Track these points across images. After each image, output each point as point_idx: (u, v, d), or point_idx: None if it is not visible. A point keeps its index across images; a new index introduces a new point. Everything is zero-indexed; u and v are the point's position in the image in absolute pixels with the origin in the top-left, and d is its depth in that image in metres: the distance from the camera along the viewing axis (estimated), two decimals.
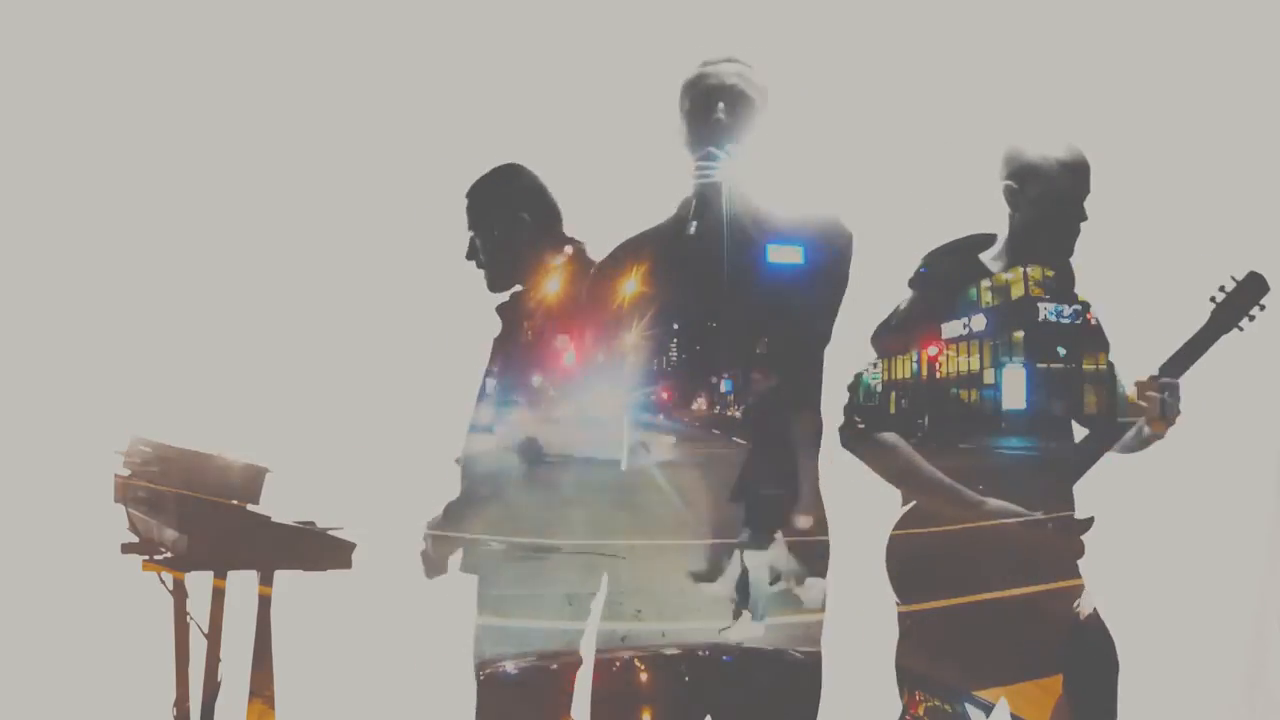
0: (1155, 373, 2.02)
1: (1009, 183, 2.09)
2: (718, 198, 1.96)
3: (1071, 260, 2.13)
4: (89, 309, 2.29)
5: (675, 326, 2.08)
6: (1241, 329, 2.01)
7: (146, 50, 2.32)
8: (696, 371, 2.05)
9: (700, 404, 2.11)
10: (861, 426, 2.12)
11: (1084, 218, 2.07)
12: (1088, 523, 2.04)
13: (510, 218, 2.21)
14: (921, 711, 2.06)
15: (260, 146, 2.29)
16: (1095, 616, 2.06)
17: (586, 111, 2.43)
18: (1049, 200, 2.06)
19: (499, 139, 2.32)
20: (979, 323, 2.16)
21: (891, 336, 2.13)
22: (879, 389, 2.16)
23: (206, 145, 2.31)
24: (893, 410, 2.16)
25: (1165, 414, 2.01)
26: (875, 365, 2.13)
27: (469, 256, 2.23)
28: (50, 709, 2.18)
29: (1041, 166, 2.06)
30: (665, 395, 2.11)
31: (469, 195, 2.23)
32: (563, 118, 2.41)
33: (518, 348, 2.19)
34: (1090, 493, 2.17)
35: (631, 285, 2.03)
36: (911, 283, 2.15)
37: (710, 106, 1.97)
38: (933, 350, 2.16)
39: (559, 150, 2.30)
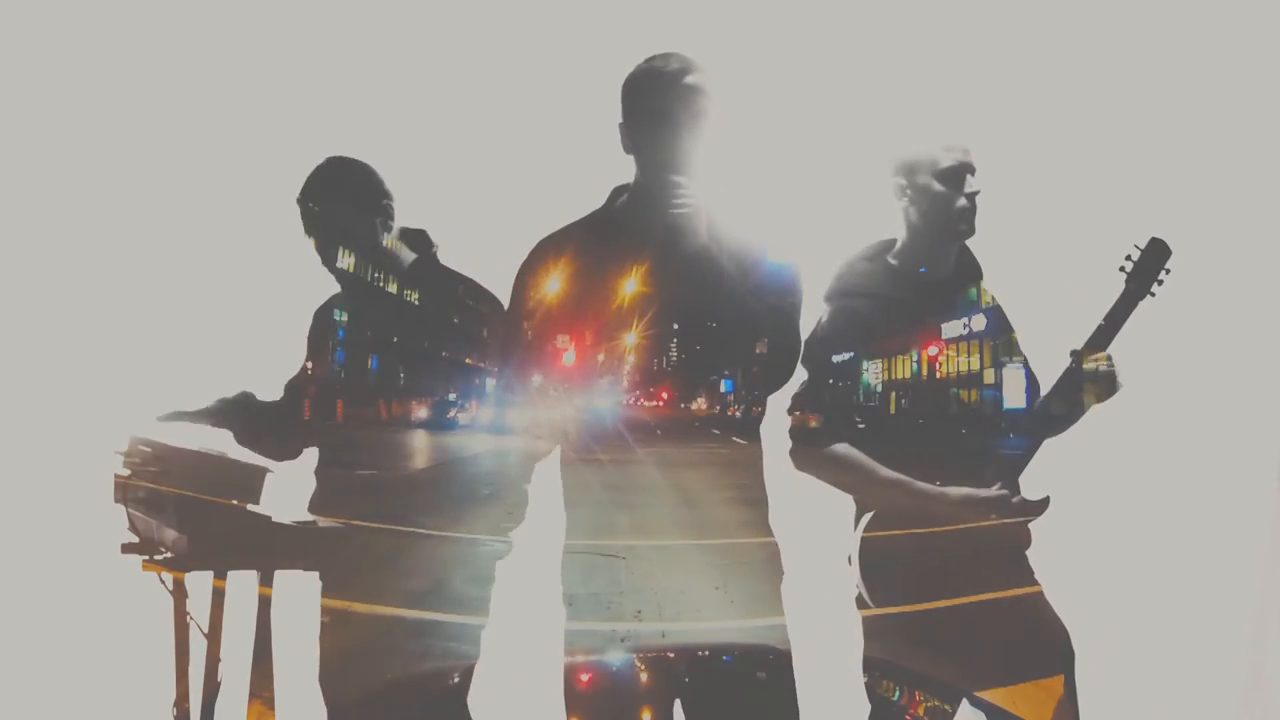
0: (1080, 349, 2.08)
1: (898, 180, 2.16)
2: (692, 226, 1.98)
3: (977, 255, 2.18)
4: (88, 309, 2.28)
5: (675, 327, 2.08)
6: (1153, 294, 2.08)
7: (154, 52, 2.32)
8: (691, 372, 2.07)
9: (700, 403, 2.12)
10: (861, 426, 2.13)
11: (975, 191, 2.10)
12: (1044, 502, 2.07)
13: (383, 210, 2.23)
14: (921, 712, 2.06)
15: (261, 148, 2.29)
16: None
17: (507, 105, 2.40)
18: (928, 197, 2.12)
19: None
20: (979, 323, 2.17)
21: (820, 350, 2.14)
22: (879, 389, 2.16)
23: (207, 146, 2.30)
24: (893, 410, 2.16)
25: (1104, 385, 2.07)
26: (803, 386, 2.15)
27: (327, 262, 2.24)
28: (50, 709, 2.18)
29: (914, 166, 2.14)
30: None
31: (324, 195, 2.23)
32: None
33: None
34: (1091, 492, 2.17)
35: (557, 283, 2.04)
36: (828, 296, 2.16)
37: (669, 129, 1.97)
38: (933, 350, 2.17)
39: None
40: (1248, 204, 2.28)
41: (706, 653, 2.00)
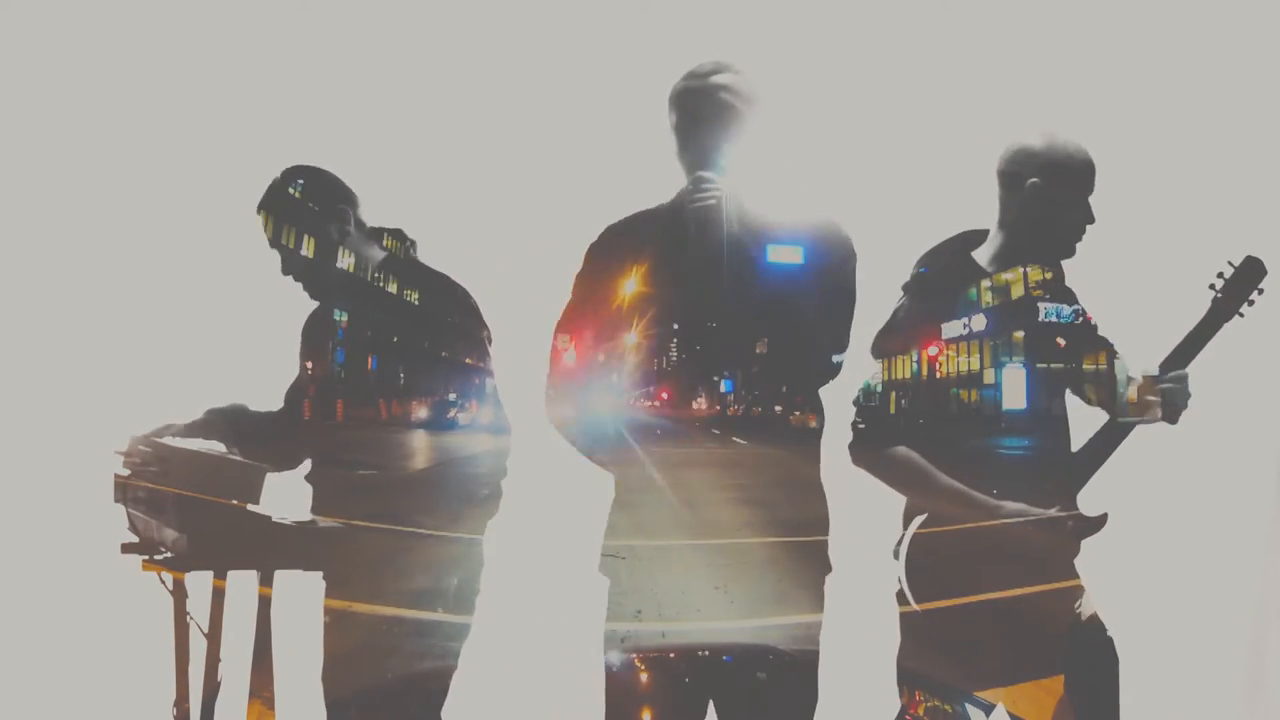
0: (1156, 369, 2.04)
1: (1034, 180, 2.06)
2: (717, 219, 1.98)
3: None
4: (88, 310, 2.28)
5: (675, 326, 2.08)
6: (1242, 315, 2.02)
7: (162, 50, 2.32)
8: (697, 371, 2.07)
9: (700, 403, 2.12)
10: (863, 427, 2.13)
11: (1093, 219, 2.07)
12: (1101, 520, 2.05)
13: (340, 215, 2.23)
14: (921, 711, 2.06)
15: (260, 146, 2.29)
16: (1095, 617, 2.08)
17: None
18: (1067, 200, 2.06)
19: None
20: (979, 323, 2.16)
21: (892, 342, 2.13)
22: (879, 389, 2.16)
23: (207, 145, 2.30)
24: (892, 410, 2.16)
25: (1177, 406, 2.03)
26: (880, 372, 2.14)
27: (287, 271, 2.24)
28: (50, 709, 2.18)
29: (1068, 165, 2.06)
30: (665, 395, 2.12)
31: (275, 209, 2.24)
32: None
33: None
34: (1091, 492, 2.17)
35: (629, 273, 2.05)
36: (906, 287, 2.14)
37: (699, 128, 1.99)
38: (933, 350, 2.17)
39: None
40: (1246, 199, 2.27)
41: (706, 653, 1.99)
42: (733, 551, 2.01)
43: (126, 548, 2.21)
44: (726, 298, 2.05)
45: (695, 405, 2.21)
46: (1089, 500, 2.16)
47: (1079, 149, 2.06)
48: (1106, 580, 2.19)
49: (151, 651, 2.16)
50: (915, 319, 2.13)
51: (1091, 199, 2.08)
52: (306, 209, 2.25)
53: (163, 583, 2.16)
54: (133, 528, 2.22)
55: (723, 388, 2.19)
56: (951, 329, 2.18)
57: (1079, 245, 2.10)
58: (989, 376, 2.17)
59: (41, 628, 2.21)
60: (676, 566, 1.96)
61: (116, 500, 2.21)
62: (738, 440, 2.15)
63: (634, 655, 1.96)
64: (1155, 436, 2.23)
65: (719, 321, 2.11)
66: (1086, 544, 2.16)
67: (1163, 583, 2.23)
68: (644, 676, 1.98)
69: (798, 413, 2.14)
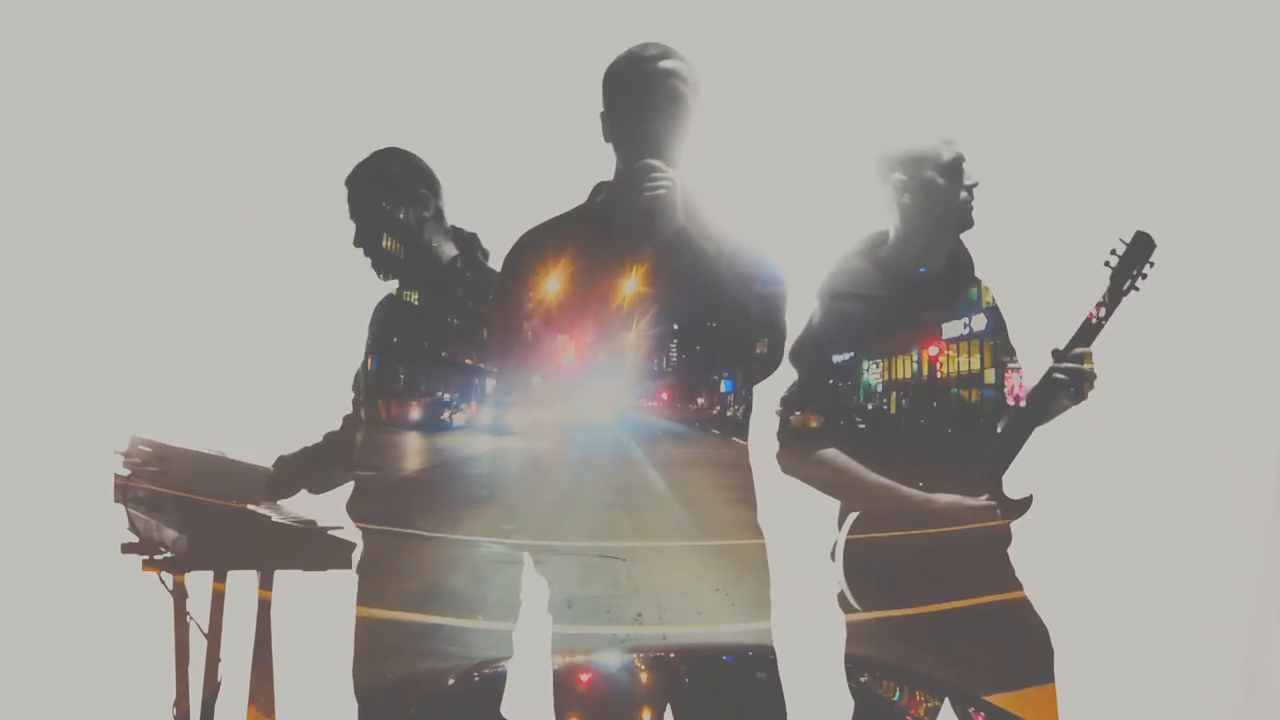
0: (1063, 347, 2.08)
1: (898, 175, 2.11)
2: (670, 208, 1.97)
3: (967, 245, 2.16)
4: (89, 309, 2.28)
5: (675, 326, 2.08)
6: (1138, 289, 2.07)
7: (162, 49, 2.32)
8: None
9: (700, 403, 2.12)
10: (862, 426, 2.13)
11: (975, 183, 2.10)
12: (1027, 501, 2.07)
13: (420, 199, 2.21)
14: (922, 712, 2.07)
15: (261, 146, 2.29)
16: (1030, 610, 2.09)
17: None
18: (935, 182, 2.10)
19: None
20: (979, 323, 2.17)
21: (811, 351, 2.13)
22: (880, 389, 2.16)
23: (205, 144, 2.30)
24: (893, 410, 2.16)
25: (1082, 385, 2.07)
26: (797, 386, 2.14)
27: (358, 244, 2.25)
28: (50, 709, 2.18)
29: (920, 154, 2.11)
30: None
31: (358, 179, 2.25)
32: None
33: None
34: (1090, 491, 2.17)
35: (549, 277, 2.04)
36: (820, 295, 2.15)
37: (645, 115, 1.97)
38: (933, 350, 2.17)
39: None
40: (1247, 198, 2.27)
41: (708, 655, 1.99)
42: (733, 553, 2.01)
43: (126, 548, 2.22)
44: (662, 293, 2.03)
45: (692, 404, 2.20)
46: (1087, 499, 2.17)
47: (936, 143, 2.12)
48: (1106, 580, 2.20)
49: (151, 651, 2.16)
50: (833, 326, 2.14)
51: (969, 166, 2.11)
52: (390, 187, 2.24)
53: (163, 583, 2.17)
54: (133, 528, 2.22)
55: (723, 388, 2.19)
56: (952, 329, 2.18)
57: (976, 215, 2.13)
58: (989, 376, 2.17)
59: (42, 628, 2.21)
60: (677, 568, 1.96)
61: (116, 500, 2.21)
62: (738, 441, 2.14)
63: (634, 657, 1.96)
64: (1155, 436, 2.23)
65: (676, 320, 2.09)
66: (1088, 543, 2.17)
67: (1162, 582, 2.24)
68: (644, 678, 1.98)
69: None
